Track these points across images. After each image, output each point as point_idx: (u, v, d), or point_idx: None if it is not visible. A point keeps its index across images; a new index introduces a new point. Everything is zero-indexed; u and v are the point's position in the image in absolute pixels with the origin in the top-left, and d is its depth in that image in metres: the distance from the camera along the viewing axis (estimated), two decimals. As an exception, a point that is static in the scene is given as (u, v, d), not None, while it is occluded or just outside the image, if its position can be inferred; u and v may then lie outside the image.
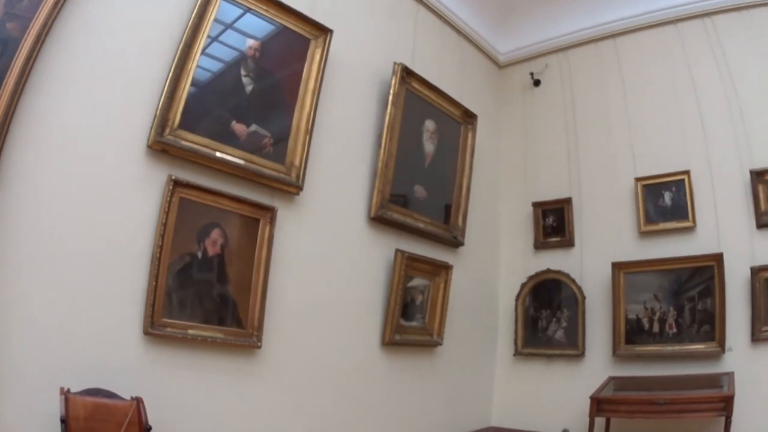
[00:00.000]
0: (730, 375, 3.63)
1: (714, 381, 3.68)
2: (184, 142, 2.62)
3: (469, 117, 4.39)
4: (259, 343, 2.83)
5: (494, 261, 4.93)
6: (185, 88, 2.66)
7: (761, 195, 3.90)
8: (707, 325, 3.92)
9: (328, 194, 3.36)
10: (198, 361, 2.64)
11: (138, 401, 2.19)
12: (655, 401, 3.43)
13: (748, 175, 3.95)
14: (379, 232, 3.67)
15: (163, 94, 2.58)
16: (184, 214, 2.63)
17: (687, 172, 4.16)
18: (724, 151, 4.09)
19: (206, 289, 2.71)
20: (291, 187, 3.06)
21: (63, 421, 1.97)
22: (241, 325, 2.81)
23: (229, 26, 2.93)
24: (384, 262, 3.68)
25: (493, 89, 5.20)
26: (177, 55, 2.63)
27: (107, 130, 2.42)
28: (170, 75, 2.60)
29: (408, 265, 3.68)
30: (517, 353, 4.66)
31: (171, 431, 2.42)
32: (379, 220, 3.61)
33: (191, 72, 2.69)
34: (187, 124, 2.65)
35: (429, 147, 4.06)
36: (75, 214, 2.28)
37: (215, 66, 2.87)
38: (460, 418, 4.31)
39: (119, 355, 2.34)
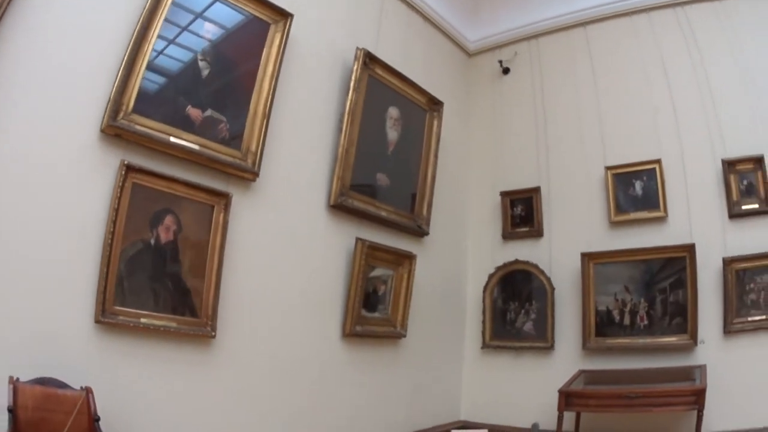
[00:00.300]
0: (702, 368, 3.73)
1: (686, 374, 3.79)
2: (138, 127, 2.66)
3: (435, 104, 4.50)
4: (213, 333, 2.87)
5: (461, 251, 5.06)
6: (140, 73, 2.71)
7: (733, 185, 4.05)
8: (679, 317, 4.04)
9: (286, 181, 3.42)
10: (151, 350, 2.68)
11: (87, 391, 2.23)
12: (626, 395, 3.49)
13: (720, 165, 4.09)
14: (339, 220, 3.74)
15: (118, 78, 2.62)
16: (136, 199, 2.67)
17: (658, 161, 4.28)
18: (695, 140, 4.23)
19: (159, 276, 2.75)
20: (247, 173, 3.11)
21: (10, 410, 2.00)
22: (195, 314, 2.85)
23: (199, 16, 2.99)
24: (345, 251, 3.75)
25: (462, 77, 5.38)
26: (132, 39, 2.66)
27: (60, 115, 2.47)
28: (125, 59, 2.63)
29: (369, 254, 3.76)
30: (485, 346, 4.77)
31: (122, 421, 2.45)
32: (339, 207, 3.69)
33: (146, 56, 2.74)
34: (141, 108, 2.70)
35: (392, 134, 4.16)
36: (25, 199, 2.32)
37: (173, 51, 2.90)
38: (428, 412, 4.41)
39: (70, 344, 2.39)
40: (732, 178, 4.05)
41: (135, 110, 2.68)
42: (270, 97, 3.23)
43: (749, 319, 3.89)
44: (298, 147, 3.53)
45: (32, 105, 2.38)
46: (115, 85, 2.61)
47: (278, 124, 3.35)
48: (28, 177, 2.34)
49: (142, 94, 2.72)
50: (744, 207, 4.01)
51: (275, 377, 3.27)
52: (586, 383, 4.04)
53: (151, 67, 2.77)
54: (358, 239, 3.73)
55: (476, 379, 4.84)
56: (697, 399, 3.34)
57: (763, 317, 3.88)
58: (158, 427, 2.68)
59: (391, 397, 4.08)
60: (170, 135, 2.80)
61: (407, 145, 4.29)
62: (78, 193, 2.49)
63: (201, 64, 3.02)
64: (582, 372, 4.15)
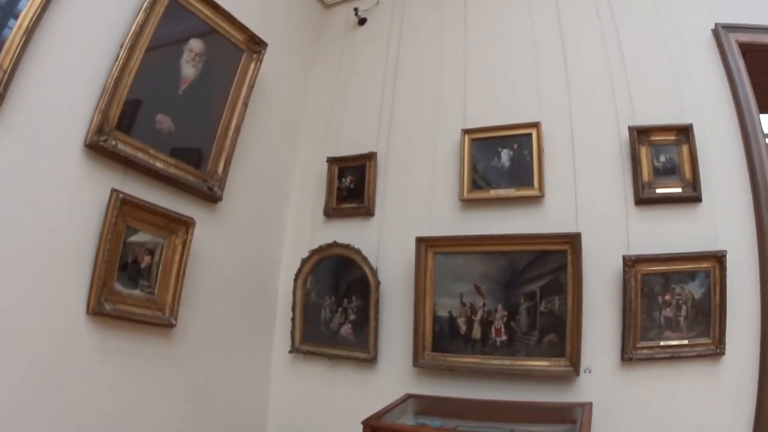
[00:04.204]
0: (586, 407, 3.78)
1: (562, 414, 3.90)
2: None
3: (256, 44, 4.91)
4: None
5: (274, 227, 5.52)
6: None
7: (644, 160, 4.29)
8: (553, 334, 4.17)
9: (35, 110, 3.61)
10: None
11: None
12: None
13: (626, 133, 4.35)
14: (97, 165, 3.97)
15: None
16: None
17: (536, 125, 4.54)
18: (592, 100, 4.57)
19: None
20: (-25, 92, 3.29)
21: None
22: None
23: None
24: (100, 206, 3.94)
25: (312, 29, 6.18)
26: None
27: None
28: None
29: (126, 211, 3.93)
30: (294, 350, 5.08)
31: None
32: (96, 149, 3.90)
33: None
34: None
35: (188, 70, 4.47)
36: None
37: None
38: (219, 427, 4.72)
39: None
40: (643, 151, 4.29)
41: None
42: (38, 11, 3.55)
43: (661, 343, 4.01)
44: (63, 74, 3.80)
45: None
46: None
47: (41, 46, 3.64)
48: None
49: None
50: (659, 190, 4.21)
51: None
52: (417, 413, 4.18)
53: None
54: (113, 191, 3.95)
55: (285, 391, 5.16)
56: (571, 455, 3.45)
57: (683, 342, 3.99)
58: None
59: (163, 404, 4.34)
60: None
61: (208, 87, 4.65)
62: None
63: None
64: (409, 397, 4.30)
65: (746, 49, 4.43)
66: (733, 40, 4.43)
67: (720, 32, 4.46)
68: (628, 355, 4.01)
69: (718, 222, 4.09)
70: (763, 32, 4.44)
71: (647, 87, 4.44)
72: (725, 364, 3.94)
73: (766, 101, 4.66)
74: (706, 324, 3.98)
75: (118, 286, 4.02)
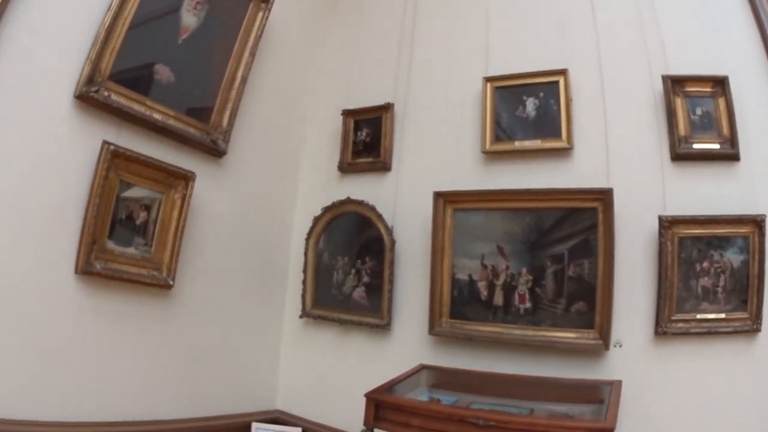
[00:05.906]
0: (615, 385, 3.57)
1: (588, 393, 3.67)
2: None
3: None
4: None
5: (283, 183, 5.48)
6: None
7: (680, 112, 4.04)
8: (582, 302, 3.94)
9: (23, 58, 3.62)
10: None
11: None
12: (471, 420, 3.18)
13: (659, 83, 4.11)
14: (88, 117, 3.92)
15: None
16: None
17: (563, 72, 4.32)
18: (623, 47, 4.33)
19: None
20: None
21: None
22: None
23: None
24: (91, 159, 3.90)
25: None
26: None
27: None
28: None
29: (119, 164, 3.91)
30: (305, 314, 5.03)
31: None
32: (87, 100, 3.85)
33: None
34: None
35: (189, 19, 4.40)
36: None
37: None
38: (227, 396, 4.69)
39: None
40: (679, 103, 4.05)
41: None
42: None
43: (698, 317, 3.78)
44: (52, 24, 3.76)
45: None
46: None
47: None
48: None
49: None
50: (696, 146, 3.98)
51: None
52: (432, 386, 4.01)
53: None
54: (104, 142, 3.89)
55: (295, 357, 5.14)
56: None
57: (721, 316, 3.75)
58: None
59: (161, 369, 4.30)
60: None
61: (210, 36, 4.56)
62: None
63: None
64: (423, 368, 4.15)
65: (784, 3, 4.14)
66: (769, -8, 4.14)
67: (757, -18, 4.17)
68: (662, 328, 3.78)
69: (756, 184, 3.84)
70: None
71: (680, 35, 4.22)
72: (760, 341, 3.72)
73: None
74: (744, 296, 3.74)
75: (111, 244, 3.97)
